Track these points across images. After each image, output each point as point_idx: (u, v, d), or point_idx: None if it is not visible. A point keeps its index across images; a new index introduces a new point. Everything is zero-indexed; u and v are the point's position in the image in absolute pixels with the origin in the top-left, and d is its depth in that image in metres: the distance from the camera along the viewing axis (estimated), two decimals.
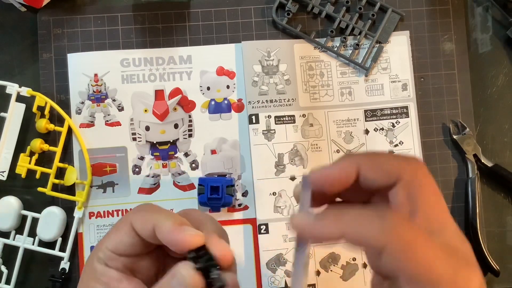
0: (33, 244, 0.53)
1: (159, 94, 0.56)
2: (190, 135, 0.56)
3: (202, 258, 0.29)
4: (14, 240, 0.53)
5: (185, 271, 0.28)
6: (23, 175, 0.53)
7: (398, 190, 0.28)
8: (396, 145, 0.56)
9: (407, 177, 0.28)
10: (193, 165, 0.56)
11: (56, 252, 0.53)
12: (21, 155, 0.53)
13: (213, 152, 0.56)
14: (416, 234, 0.25)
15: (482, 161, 0.56)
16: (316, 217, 0.27)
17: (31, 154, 0.54)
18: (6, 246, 0.53)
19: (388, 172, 0.29)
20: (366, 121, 0.57)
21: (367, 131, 0.57)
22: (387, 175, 0.29)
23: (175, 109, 0.56)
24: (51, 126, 0.54)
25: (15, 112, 0.54)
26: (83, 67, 0.56)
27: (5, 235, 0.53)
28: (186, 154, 0.56)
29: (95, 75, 0.56)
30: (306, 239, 0.28)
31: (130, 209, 0.34)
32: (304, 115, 0.56)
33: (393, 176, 0.29)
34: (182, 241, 0.29)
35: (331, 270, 0.55)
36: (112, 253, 0.31)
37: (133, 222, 0.31)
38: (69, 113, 0.55)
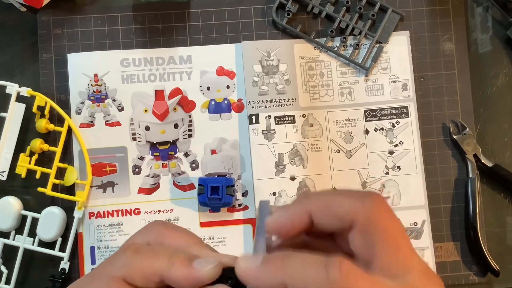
0: (33, 244, 0.53)
1: (159, 94, 0.56)
2: (190, 135, 0.56)
3: (226, 274, 0.27)
4: (14, 240, 0.53)
5: None
6: (23, 175, 0.53)
7: (354, 236, 0.27)
8: (396, 145, 0.56)
9: (362, 220, 0.26)
10: (193, 165, 0.56)
11: (56, 252, 0.53)
12: (21, 155, 0.53)
13: (213, 152, 0.56)
14: (365, 285, 0.24)
15: (482, 161, 0.56)
16: (262, 262, 0.26)
17: (31, 154, 0.54)
18: (6, 246, 0.53)
19: (340, 217, 0.27)
20: (366, 121, 0.57)
21: (367, 131, 0.57)
22: (340, 220, 0.27)
23: (175, 109, 0.56)
24: (51, 126, 0.54)
25: (15, 112, 0.54)
26: (83, 67, 0.56)
27: (5, 235, 0.53)
28: (186, 154, 0.56)
29: (95, 75, 0.56)
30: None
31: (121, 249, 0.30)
32: (304, 115, 0.56)
33: (346, 221, 0.27)
34: (205, 279, 0.27)
35: None
36: None
37: (128, 276, 0.27)
38: (69, 113, 0.55)
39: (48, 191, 0.53)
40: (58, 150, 0.54)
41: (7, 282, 0.53)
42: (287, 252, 0.26)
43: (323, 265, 0.24)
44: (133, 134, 0.56)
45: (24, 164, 0.53)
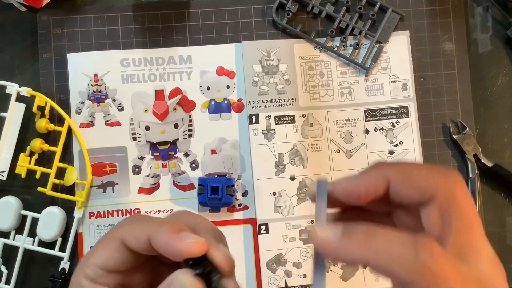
0: (33, 244, 0.53)
1: (159, 94, 0.56)
2: (190, 135, 0.56)
3: (201, 264, 0.27)
4: (14, 240, 0.53)
5: (184, 278, 0.27)
6: (23, 175, 0.53)
7: (431, 210, 0.26)
8: (396, 145, 0.56)
9: (443, 196, 0.25)
10: (193, 165, 0.56)
11: (56, 252, 0.53)
12: (21, 155, 0.53)
13: (213, 152, 0.56)
14: (450, 271, 0.23)
15: (482, 161, 0.56)
16: (343, 234, 0.25)
17: (31, 154, 0.54)
18: (6, 246, 0.53)
19: (422, 189, 0.26)
20: (366, 121, 0.57)
21: (367, 131, 0.57)
22: (420, 192, 0.26)
23: (175, 109, 0.56)
24: (51, 126, 0.54)
25: (15, 112, 0.54)
26: (83, 67, 0.56)
27: (5, 235, 0.53)
28: (186, 154, 0.56)
29: (95, 75, 0.56)
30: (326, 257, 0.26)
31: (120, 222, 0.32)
32: (304, 115, 0.56)
33: (427, 194, 0.26)
34: (183, 250, 0.27)
35: (331, 270, 0.55)
36: (101, 270, 0.29)
37: (123, 236, 0.29)
38: (69, 113, 0.55)
39: (48, 191, 0.53)
40: (58, 150, 0.54)
41: (7, 282, 0.53)
42: (370, 226, 0.25)
43: (412, 244, 0.23)
44: (133, 134, 0.56)
45: (24, 164, 0.53)
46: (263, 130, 0.55)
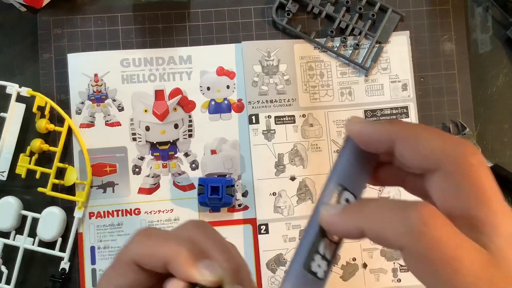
0: (33, 244, 0.53)
1: (159, 94, 0.56)
2: (190, 135, 0.56)
3: None
4: (14, 240, 0.53)
5: None
6: (23, 175, 0.53)
7: (437, 179, 0.24)
8: None
9: (451, 164, 0.23)
10: (193, 165, 0.56)
11: (56, 252, 0.53)
12: (21, 155, 0.53)
13: (213, 152, 0.56)
14: (446, 234, 0.21)
15: None
16: (340, 211, 0.25)
17: (31, 154, 0.54)
18: (6, 246, 0.53)
19: (426, 154, 0.24)
20: None
21: None
22: (424, 158, 0.24)
23: (175, 109, 0.56)
24: (51, 126, 0.54)
25: (15, 112, 0.54)
26: (83, 67, 0.56)
27: (5, 235, 0.53)
28: (186, 154, 0.56)
29: (95, 75, 0.56)
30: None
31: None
32: (304, 115, 0.56)
33: (431, 160, 0.24)
34: (200, 281, 0.27)
35: (331, 271, 0.54)
36: None
37: (137, 259, 0.28)
38: (69, 113, 0.55)
39: (48, 191, 0.53)
40: (58, 150, 0.54)
41: (7, 282, 0.53)
42: (366, 198, 0.25)
43: (401, 208, 0.22)
44: (133, 134, 0.56)
45: (24, 164, 0.53)
46: (263, 130, 0.55)
